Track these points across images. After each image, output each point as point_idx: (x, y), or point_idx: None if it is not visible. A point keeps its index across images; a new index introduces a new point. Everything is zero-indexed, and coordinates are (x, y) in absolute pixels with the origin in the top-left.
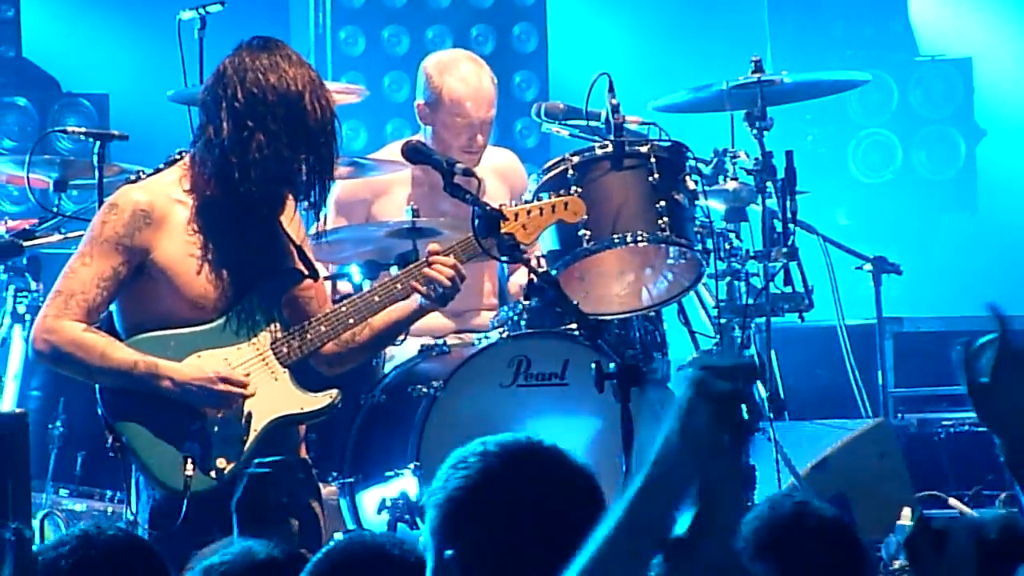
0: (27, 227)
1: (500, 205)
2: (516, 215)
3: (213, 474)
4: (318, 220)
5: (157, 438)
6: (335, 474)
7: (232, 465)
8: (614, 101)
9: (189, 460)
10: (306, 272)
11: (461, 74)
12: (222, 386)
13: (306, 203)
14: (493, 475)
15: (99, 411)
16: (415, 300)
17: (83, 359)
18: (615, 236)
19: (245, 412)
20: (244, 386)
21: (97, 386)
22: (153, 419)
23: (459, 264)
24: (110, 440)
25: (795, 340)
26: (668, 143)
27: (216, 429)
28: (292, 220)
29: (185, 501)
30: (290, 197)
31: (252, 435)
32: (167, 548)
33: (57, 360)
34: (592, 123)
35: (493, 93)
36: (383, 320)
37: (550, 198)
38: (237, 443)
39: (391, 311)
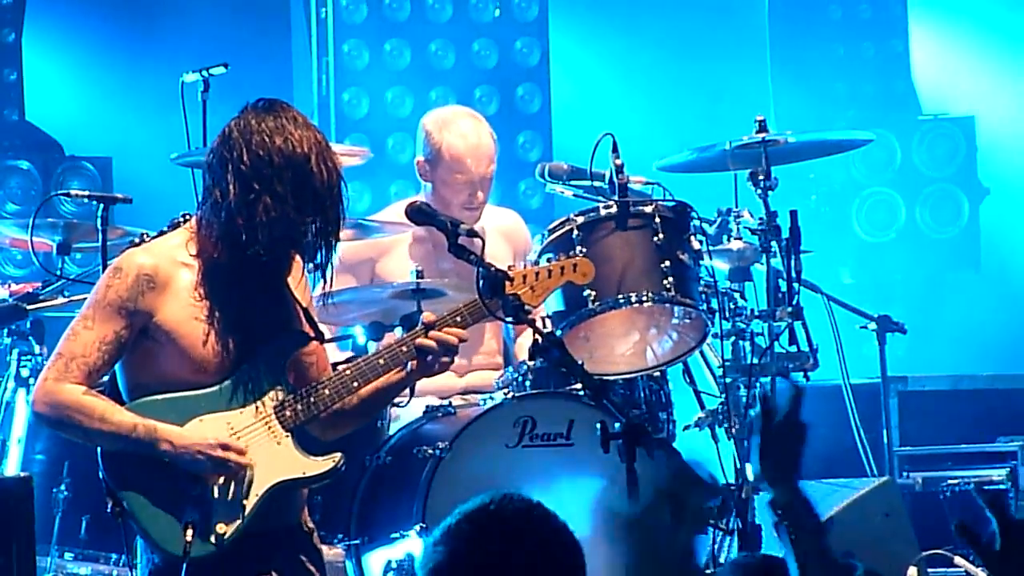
0: (31, 290)
1: (509, 267)
2: (524, 277)
3: (213, 539)
4: (325, 281)
5: (157, 503)
6: (341, 536)
7: (231, 530)
8: (618, 161)
9: (189, 527)
10: (312, 334)
11: (461, 130)
12: (220, 452)
13: (312, 265)
14: (460, 556)
15: (100, 475)
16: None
17: (82, 422)
18: (620, 296)
19: (246, 477)
20: (243, 454)
21: (99, 450)
22: (154, 484)
23: (461, 333)
24: (110, 505)
25: None
26: (672, 203)
27: (217, 494)
28: (299, 282)
29: (184, 567)
30: (297, 259)
31: (253, 500)
32: None
33: (57, 423)
34: (596, 183)
35: (493, 149)
36: (370, 389)
37: (559, 259)
38: (238, 508)
39: (380, 379)
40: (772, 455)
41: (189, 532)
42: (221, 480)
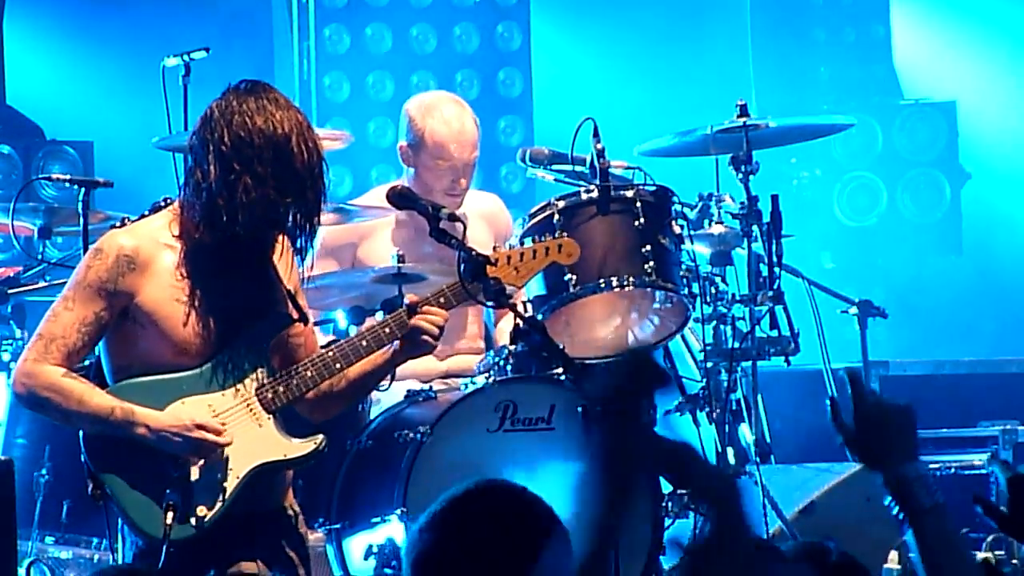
0: (12, 275)
1: (495, 247)
2: (508, 258)
3: (193, 522)
4: (303, 263)
5: (139, 486)
6: (321, 520)
7: (213, 513)
8: (599, 146)
9: (169, 509)
10: (295, 316)
11: (444, 116)
12: (197, 433)
13: (293, 247)
14: (446, 542)
15: (82, 458)
16: (391, 349)
17: (61, 404)
18: (601, 281)
19: (228, 459)
20: (219, 433)
21: (81, 433)
22: (135, 467)
23: (444, 314)
24: (91, 487)
25: (781, 384)
26: (653, 188)
27: (198, 477)
28: (283, 262)
29: (164, 549)
30: (282, 239)
31: (235, 482)
32: None
33: (35, 404)
34: (577, 168)
35: (476, 135)
36: (358, 370)
37: (545, 239)
38: (219, 490)
39: (367, 361)
40: (861, 439)
41: (170, 515)
42: (202, 462)
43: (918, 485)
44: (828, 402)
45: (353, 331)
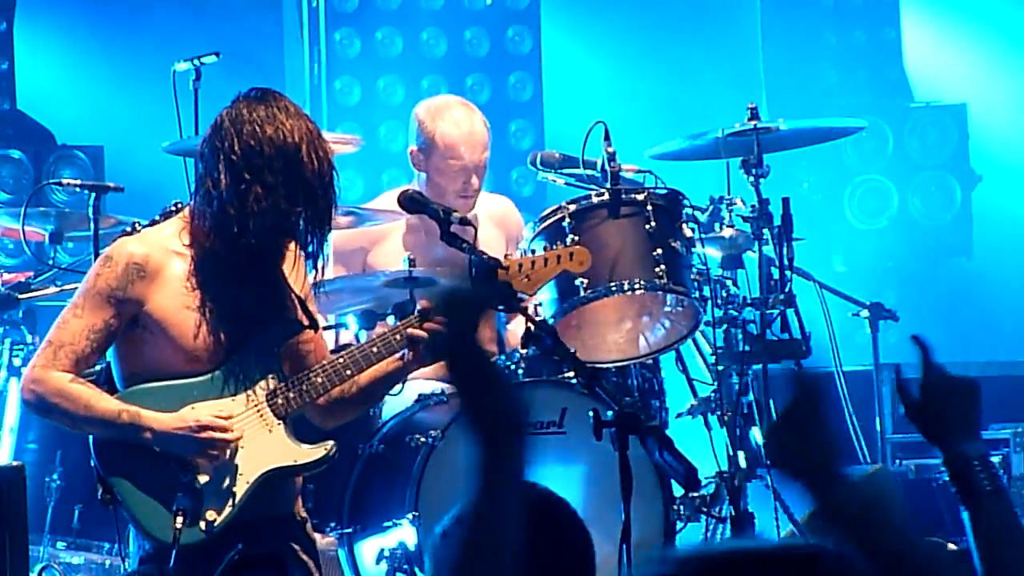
0: (23, 280)
1: (505, 255)
2: (520, 265)
3: (202, 526)
4: (316, 270)
5: (148, 490)
6: (333, 524)
7: (222, 518)
8: (610, 149)
9: (179, 513)
10: (305, 323)
11: (454, 118)
12: (203, 434)
13: (304, 254)
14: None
15: (92, 462)
16: (402, 355)
17: (68, 409)
18: (612, 284)
19: (238, 464)
20: (226, 431)
21: (91, 437)
22: (145, 471)
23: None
24: (100, 491)
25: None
26: (664, 191)
27: (207, 482)
28: (294, 270)
29: (173, 554)
30: (292, 246)
31: (244, 487)
32: None
33: (43, 410)
34: (588, 172)
35: (486, 136)
36: (369, 376)
37: (556, 247)
38: (228, 495)
39: (377, 367)
40: (925, 409)
41: (179, 519)
42: (212, 465)
43: (979, 465)
44: (895, 371)
45: (364, 336)
